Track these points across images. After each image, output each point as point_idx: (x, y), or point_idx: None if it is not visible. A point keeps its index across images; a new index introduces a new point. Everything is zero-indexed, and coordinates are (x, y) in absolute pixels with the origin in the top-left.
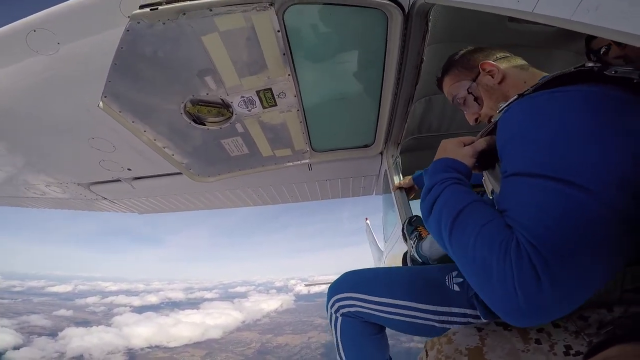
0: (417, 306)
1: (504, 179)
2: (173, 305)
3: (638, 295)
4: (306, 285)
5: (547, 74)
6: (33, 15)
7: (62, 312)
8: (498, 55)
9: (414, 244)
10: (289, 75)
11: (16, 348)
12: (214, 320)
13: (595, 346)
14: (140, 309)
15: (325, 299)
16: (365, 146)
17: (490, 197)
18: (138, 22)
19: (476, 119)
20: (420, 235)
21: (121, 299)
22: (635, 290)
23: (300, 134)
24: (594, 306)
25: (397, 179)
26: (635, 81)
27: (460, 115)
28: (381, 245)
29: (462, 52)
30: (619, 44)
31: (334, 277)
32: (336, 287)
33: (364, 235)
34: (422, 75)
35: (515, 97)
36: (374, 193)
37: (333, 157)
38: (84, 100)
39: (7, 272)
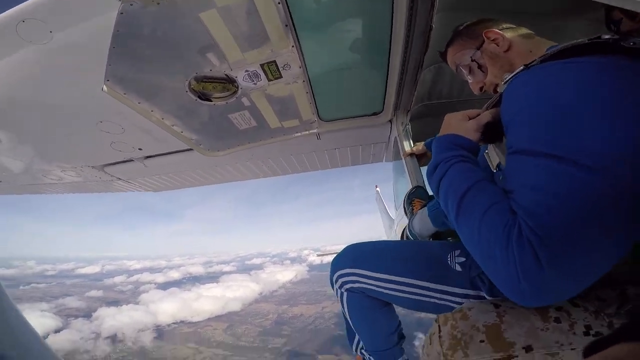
0: (418, 283)
1: (509, 155)
2: (194, 280)
3: None
4: (318, 255)
5: (554, 44)
6: (19, 5)
7: (94, 292)
8: (504, 25)
9: (408, 218)
10: (292, 46)
11: (57, 331)
12: (233, 293)
13: (600, 341)
14: (164, 286)
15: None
16: (374, 114)
17: (494, 171)
18: (131, 4)
19: (481, 88)
20: (412, 210)
21: (146, 276)
22: None
23: (308, 105)
24: (608, 286)
25: (408, 146)
26: None
27: None
28: (392, 213)
29: (466, 23)
30: (632, 18)
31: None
32: (338, 263)
33: (375, 204)
34: (431, 43)
35: (521, 67)
36: (384, 160)
37: (341, 126)
38: (87, 85)
39: (39, 256)
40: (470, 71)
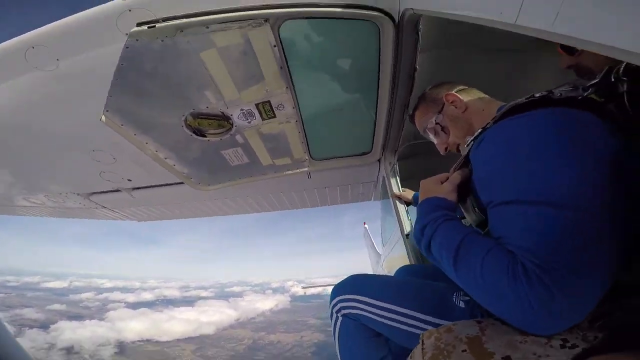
0: (420, 317)
1: (491, 208)
2: (168, 303)
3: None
4: (303, 287)
5: (502, 103)
6: (31, 32)
7: (56, 306)
8: (459, 87)
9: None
10: (287, 87)
11: None
12: (208, 317)
13: (579, 356)
14: (134, 305)
15: (328, 298)
16: (363, 154)
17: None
18: (136, 40)
19: (445, 148)
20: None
21: (116, 295)
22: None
23: (299, 144)
24: None
25: (396, 185)
26: (579, 98)
27: None
28: (379, 249)
29: (428, 89)
30: (570, 53)
31: (331, 280)
32: (341, 288)
33: (363, 241)
34: (417, 83)
35: (479, 130)
36: (372, 198)
37: (332, 165)
38: (85, 114)
39: (3, 267)
40: (435, 133)
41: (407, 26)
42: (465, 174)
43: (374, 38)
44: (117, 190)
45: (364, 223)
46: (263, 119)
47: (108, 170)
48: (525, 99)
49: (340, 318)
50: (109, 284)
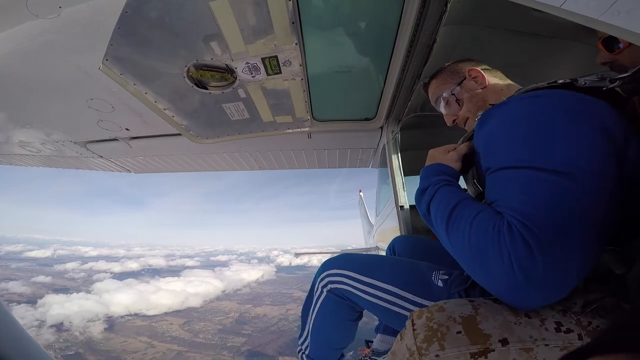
0: (400, 293)
1: (489, 175)
2: (154, 272)
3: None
4: (296, 254)
5: (521, 87)
6: None
7: (41, 278)
8: (484, 66)
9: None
10: (296, 44)
11: None
12: (194, 288)
13: (574, 353)
14: (120, 276)
15: (314, 271)
16: (366, 119)
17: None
18: None
19: (453, 120)
20: None
21: (101, 264)
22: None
23: (303, 102)
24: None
25: (395, 154)
26: (604, 89)
27: None
28: (372, 219)
29: (451, 62)
30: (610, 50)
31: (318, 250)
32: (331, 263)
33: (350, 211)
34: (432, 55)
35: (490, 108)
36: (370, 166)
37: (333, 128)
38: (84, 62)
39: None
40: (448, 103)
41: None
42: (472, 147)
43: (398, 3)
44: (115, 140)
45: (359, 191)
46: (268, 74)
47: (106, 119)
48: (547, 83)
49: (324, 293)
50: (93, 252)
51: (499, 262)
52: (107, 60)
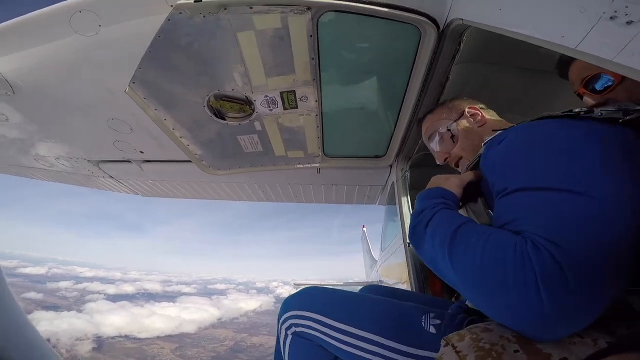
0: (383, 342)
1: (504, 196)
2: (149, 297)
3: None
4: (295, 285)
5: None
6: None
7: (32, 294)
8: (482, 105)
9: None
10: (313, 80)
11: None
12: (189, 314)
13: (599, 352)
14: (114, 298)
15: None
16: (376, 157)
17: None
18: (180, 13)
19: (445, 159)
20: None
21: (96, 285)
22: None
23: (315, 138)
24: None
25: (404, 192)
26: (620, 120)
27: None
28: (376, 254)
29: (449, 98)
30: (596, 92)
31: (318, 282)
32: (294, 302)
33: (352, 245)
34: (445, 92)
35: (499, 132)
36: (377, 203)
37: (343, 164)
38: (111, 82)
39: None
40: (442, 139)
41: (450, 35)
42: (477, 175)
43: (413, 43)
44: (128, 161)
45: (363, 226)
46: (285, 109)
47: (122, 139)
48: (562, 112)
49: (290, 337)
50: (89, 273)
51: (521, 286)
52: (133, 83)
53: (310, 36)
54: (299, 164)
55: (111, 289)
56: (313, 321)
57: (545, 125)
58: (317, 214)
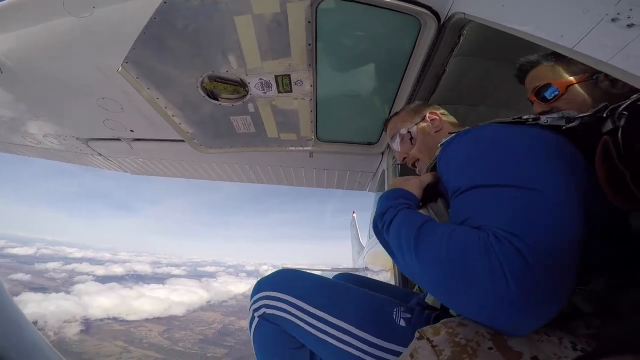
0: (355, 332)
1: (460, 194)
2: (138, 278)
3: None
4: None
5: None
6: None
7: (20, 275)
8: (442, 111)
9: None
10: (309, 65)
11: None
12: (178, 297)
13: (584, 357)
14: (103, 279)
15: None
16: (369, 143)
17: None
18: None
19: (404, 158)
20: None
21: (85, 266)
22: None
23: (309, 122)
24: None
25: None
26: (563, 127)
27: None
28: (364, 241)
29: (415, 103)
30: (545, 101)
31: (307, 267)
32: (267, 283)
33: (343, 231)
34: (440, 84)
35: (452, 135)
36: (367, 189)
37: (335, 149)
38: (104, 62)
39: None
40: (402, 140)
41: (451, 28)
42: (436, 177)
43: (412, 33)
44: (117, 139)
45: (353, 212)
46: (279, 92)
47: (113, 118)
48: (512, 118)
49: (257, 320)
50: (78, 254)
51: (486, 277)
52: (126, 62)
53: (309, 22)
54: (292, 146)
55: (100, 270)
56: (285, 303)
57: (497, 129)
58: (309, 198)
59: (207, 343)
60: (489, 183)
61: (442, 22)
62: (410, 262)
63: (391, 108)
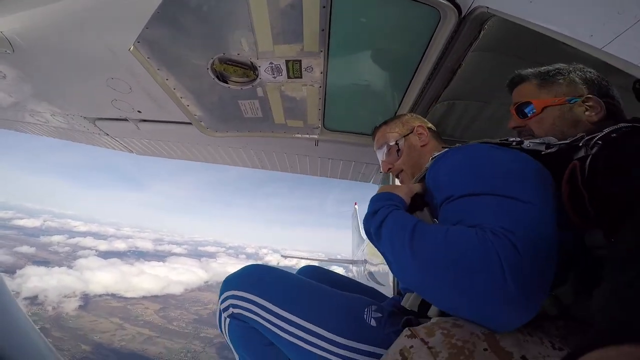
0: (324, 334)
1: (451, 202)
2: (139, 255)
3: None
4: (283, 256)
5: None
6: None
7: (25, 248)
8: (430, 125)
9: None
10: (321, 51)
11: None
12: (177, 275)
13: (571, 354)
14: (105, 254)
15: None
16: None
17: None
18: None
19: (389, 169)
20: None
21: (88, 241)
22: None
23: (316, 110)
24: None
25: None
26: (542, 152)
27: (474, 126)
28: (364, 233)
29: (404, 114)
30: (522, 117)
31: (307, 254)
32: (234, 281)
33: (344, 220)
34: (455, 79)
35: (445, 150)
36: (372, 181)
37: (342, 138)
38: (115, 42)
39: None
40: (389, 151)
41: (472, 22)
42: (424, 187)
43: (430, 25)
44: (124, 120)
45: (355, 203)
46: (289, 77)
47: (121, 99)
48: (499, 140)
49: (228, 319)
50: (83, 228)
51: (484, 269)
52: (138, 42)
53: (324, 7)
54: (298, 133)
55: (103, 245)
56: (252, 304)
57: (488, 148)
58: (313, 185)
59: (201, 323)
60: (481, 192)
61: (463, 15)
62: (404, 260)
63: (401, 101)
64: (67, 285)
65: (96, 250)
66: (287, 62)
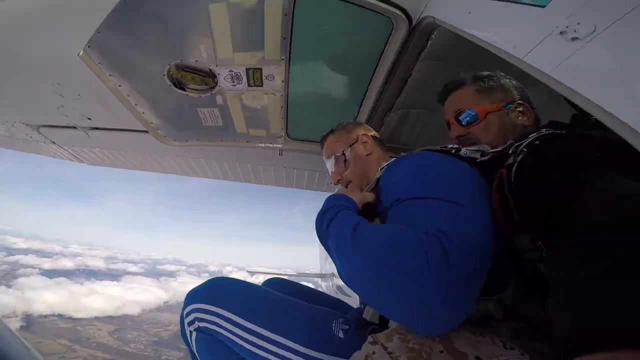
0: (292, 346)
1: (399, 204)
2: (90, 274)
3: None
4: (250, 272)
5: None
6: None
7: None
8: (373, 133)
9: None
10: (282, 59)
11: None
12: (133, 295)
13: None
14: (50, 273)
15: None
16: None
17: None
18: None
19: (338, 180)
20: None
21: (30, 259)
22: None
23: (279, 119)
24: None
25: None
26: (477, 160)
27: (427, 134)
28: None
29: (348, 122)
30: (465, 125)
31: (274, 270)
32: (199, 294)
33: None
34: (405, 88)
35: (393, 159)
36: (337, 192)
37: (306, 148)
38: (64, 46)
39: None
40: (337, 162)
41: (420, 32)
42: (375, 197)
43: (384, 34)
44: (73, 127)
45: None
46: (249, 86)
47: (69, 105)
48: (440, 147)
49: (194, 333)
50: (24, 245)
51: (412, 264)
52: (89, 47)
53: (286, 15)
54: (261, 142)
55: (47, 264)
56: (219, 317)
57: (432, 155)
58: (278, 197)
59: (162, 345)
60: (424, 195)
61: (413, 24)
62: (346, 257)
63: (359, 110)
64: (5, 304)
65: (39, 269)
66: (247, 70)
